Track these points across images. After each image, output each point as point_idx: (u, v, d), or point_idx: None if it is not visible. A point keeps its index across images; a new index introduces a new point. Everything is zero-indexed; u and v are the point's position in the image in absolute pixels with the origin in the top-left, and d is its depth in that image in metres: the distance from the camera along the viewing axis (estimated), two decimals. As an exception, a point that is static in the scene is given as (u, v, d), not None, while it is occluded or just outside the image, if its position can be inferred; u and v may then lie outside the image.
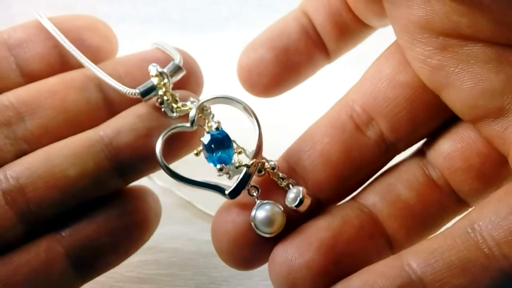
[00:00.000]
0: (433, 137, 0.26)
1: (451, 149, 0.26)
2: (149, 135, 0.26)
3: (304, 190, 0.25)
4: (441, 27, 0.23)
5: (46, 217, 0.26)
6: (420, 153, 0.27)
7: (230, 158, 0.26)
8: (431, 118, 0.26)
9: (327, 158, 0.26)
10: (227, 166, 0.26)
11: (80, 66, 0.29)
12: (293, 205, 0.25)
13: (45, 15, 0.29)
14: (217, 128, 0.26)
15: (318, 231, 0.25)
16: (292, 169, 0.26)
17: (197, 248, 0.33)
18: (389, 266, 0.23)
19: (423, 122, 0.26)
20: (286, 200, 0.25)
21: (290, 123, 0.30)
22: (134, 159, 0.27)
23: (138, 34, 0.42)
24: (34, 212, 0.26)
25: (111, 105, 0.28)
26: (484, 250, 0.22)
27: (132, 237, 0.28)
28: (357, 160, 0.26)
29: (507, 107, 0.23)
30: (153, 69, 0.27)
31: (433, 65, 0.24)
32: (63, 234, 0.26)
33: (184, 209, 0.36)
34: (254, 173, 0.25)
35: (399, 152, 0.27)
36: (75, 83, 0.28)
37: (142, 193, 0.28)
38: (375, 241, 0.25)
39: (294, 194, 0.25)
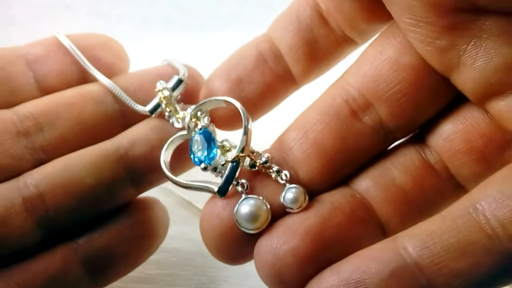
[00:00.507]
0: (432, 119, 0.25)
1: (452, 130, 0.24)
2: (162, 147, 0.27)
3: (304, 190, 0.24)
4: (453, 1, 0.22)
5: (64, 225, 0.27)
6: (418, 136, 0.26)
7: (213, 156, 0.26)
8: (435, 103, 0.25)
9: (320, 146, 0.25)
10: (217, 165, 0.26)
11: (94, 81, 0.30)
12: (291, 206, 0.24)
13: (63, 33, 0.30)
14: (200, 128, 0.27)
15: (305, 218, 0.24)
16: (283, 159, 0.25)
17: (197, 248, 0.33)
18: (382, 250, 0.22)
19: (426, 108, 0.25)
20: (282, 197, 0.24)
21: (282, 112, 0.30)
22: (148, 169, 0.27)
23: (138, 34, 0.42)
24: (52, 219, 0.26)
25: (127, 116, 0.29)
26: (487, 231, 0.21)
27: (142, 246, 0.28)
28: (353, 148, 0.25)
29: None
30: (158, 85, 0.28)
31: (443, 46, 0.23)
32: (79, 242, 0.27)
33: (184, 209, 0.36)
34: (240, 168, 0.25)
35: (397, 139, 0.26)
36: (92, 95, 0.29)
37: (151, 204, 0.29)
38: (367, 227, 0.24)
39: (293, 194, 0.24)
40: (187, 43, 0.32)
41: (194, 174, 0.28)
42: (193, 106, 0.28)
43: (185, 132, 0.28)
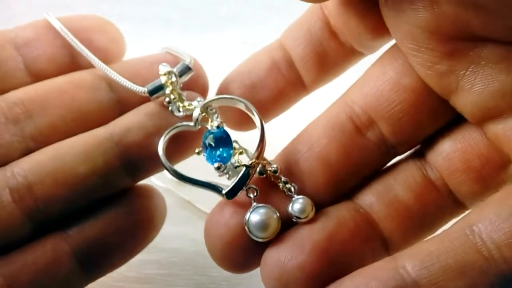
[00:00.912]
0: (432, 137, 0.26)
1: (451, 149, 0.25)
2: (158, 134, 0.26)
3: (311, 202, 0.24)
4: (452, 30, 0.23)
5: (54, 216, 0.26)
6: (419, 153, 0.26)
7: (229, 156, 0.26)
8: (435, 122, 0.26)
9: (325, 160, 0.25)
10: (227, 165, 0.26)
11: (88, 66, 0.29)
12: (299, 216, 0.24)
13: (53, 15, 0.29)
14: (218, 127, 0.26)
15: (312, 232, 0.24)
16: (288, 171, 0.26)
17: (197, 248, 0.33)
18: (383, 268, 0.22)
19: (426, 126, 0.26)
20: (290, 207, 0.24)
21: (288, 121, 0.30)
22: (143, 157, 0.27)
23: (138, 34, 0.42)
24: (41, 210, 0.25)
25: (122, 105, 0.28)
26: (483, 252, 0.21)
27: (137, 236, 0.27)
28: (356, 162, 0.25)
29: None
30: (162, 68, 0.27)
31: (442, 71, 0.24)
32: (70, 232, 0.26)
33: (184, 209, 0.36)
34: (253, 174, 0.25)
35: (399, 154, 0.26)
36: (85, 82, 0.28)
37: (147, 191, 0.28)
38: (370, 243, 0.25)
39: (301, 205, 0.24)
40: (187, 43, 0.32)
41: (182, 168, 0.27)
42: (206, 99, 0.27)
43: (190, 123, 0.27)
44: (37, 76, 0.28)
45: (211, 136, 0.26)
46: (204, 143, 0.26)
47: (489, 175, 0.24)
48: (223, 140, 0.26)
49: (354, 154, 0.25)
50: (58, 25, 0.28)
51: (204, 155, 0.26)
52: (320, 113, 0.27)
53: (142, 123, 0.27)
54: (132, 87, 0.27)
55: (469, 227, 0.22)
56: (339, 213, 0.25)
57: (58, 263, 0.25)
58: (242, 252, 0.25)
